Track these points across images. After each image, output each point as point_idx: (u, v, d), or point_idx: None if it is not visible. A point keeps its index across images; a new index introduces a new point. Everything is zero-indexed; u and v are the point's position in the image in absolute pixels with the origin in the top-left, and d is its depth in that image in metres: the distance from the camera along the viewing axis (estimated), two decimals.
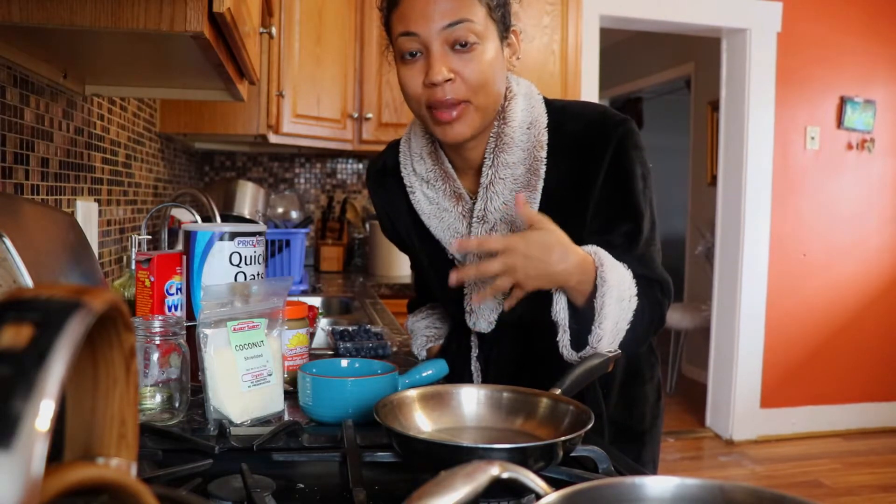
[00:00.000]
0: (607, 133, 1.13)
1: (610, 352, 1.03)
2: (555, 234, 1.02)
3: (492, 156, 1.16)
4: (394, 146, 1.32)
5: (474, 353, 1.30)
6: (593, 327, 1.05)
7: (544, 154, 1.15)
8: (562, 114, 1.18)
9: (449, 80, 1.08)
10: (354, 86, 3.13)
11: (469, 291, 1.22)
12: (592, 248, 1.07)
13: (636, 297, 1.08)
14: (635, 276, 1.11)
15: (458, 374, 1.30)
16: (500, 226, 1.16)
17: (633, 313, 1.07)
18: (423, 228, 1.25)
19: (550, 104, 1.20)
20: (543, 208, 1.15)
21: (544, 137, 1.15)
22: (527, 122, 1.16)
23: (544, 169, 1.15)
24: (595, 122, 1.15)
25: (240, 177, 3.46)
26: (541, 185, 1.15)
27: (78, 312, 0.32)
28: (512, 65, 1.18)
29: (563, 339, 1.08)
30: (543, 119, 1.17)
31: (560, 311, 1.07)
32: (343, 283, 3.02)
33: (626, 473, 0.86)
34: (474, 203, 1.19)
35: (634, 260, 1.13)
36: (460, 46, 1.08)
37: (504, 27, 1.14)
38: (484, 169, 1.17)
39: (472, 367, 1.30)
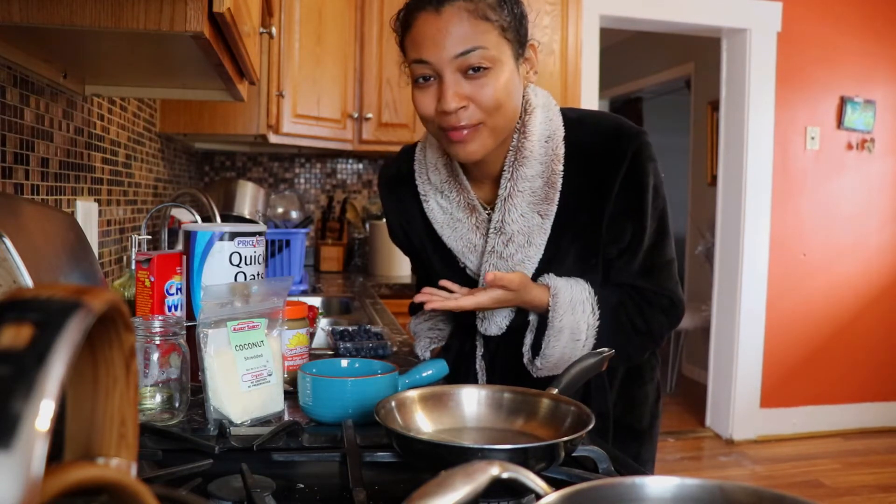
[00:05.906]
0: (622, 146, 1.14)
1: (602, 351, 1.04)
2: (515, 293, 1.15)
3: (511, 169, 1.17)
4: (408, 152, 1.32)
5: (479, 352, 1.31)
6: (543, 347, 1.18)
7: (561, 167, 1.16)
8: (578, 125, 1.19)
9: (462, 107, 1.08)
10: (354, 86, 3.13)
11: None
12: (551, 281, 1.17)
13: (594, 337, 1.17)
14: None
15: (463, 374, 1.30)
16: (517, 237, 1.17)
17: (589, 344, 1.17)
18: (436, 236, 1.26)
19: (567, 115, 1.20)
20: (559, 220, 1.17)
21: (562, 150, 1.16)
22: (545, 135, 1.17)
23: (561, 181, 1.16)
24: (610, 135, 1.16)
25: (240, 177, 3.46)
26: (557, 197, 1.16)
27: (78, 312, 0.32)
28: (529, 80, 1.17)
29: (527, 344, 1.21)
30: (561, 131, 1.17)
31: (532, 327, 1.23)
32: (343, 283, 3.01)
33: (626, 473, 0.86)
34: (489, 214, 1.21)
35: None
36: (473, 72, 1.07)
37: (519, 45, 1.12)
38: (503, 182, 1.18)
39: (477, 367, 1.30)
